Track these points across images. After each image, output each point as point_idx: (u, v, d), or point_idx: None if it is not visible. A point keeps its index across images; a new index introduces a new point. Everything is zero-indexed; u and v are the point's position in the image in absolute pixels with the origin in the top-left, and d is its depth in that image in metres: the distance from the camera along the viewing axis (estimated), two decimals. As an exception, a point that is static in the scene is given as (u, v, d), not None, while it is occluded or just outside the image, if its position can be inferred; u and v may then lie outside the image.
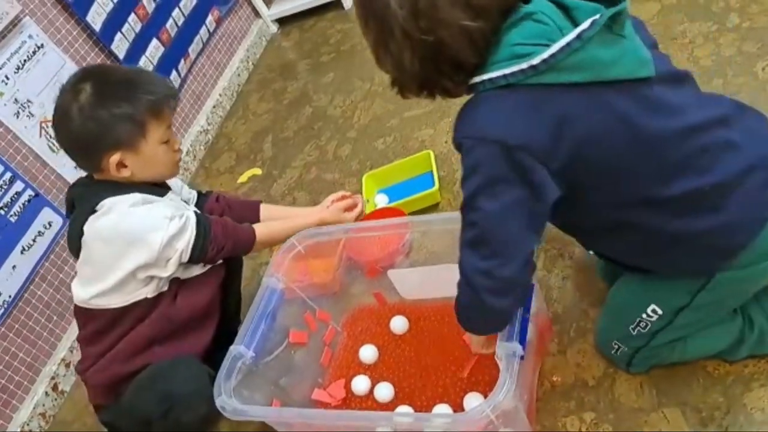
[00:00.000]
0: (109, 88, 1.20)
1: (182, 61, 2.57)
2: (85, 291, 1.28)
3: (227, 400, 1.15)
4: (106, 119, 1.19)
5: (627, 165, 0.90)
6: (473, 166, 0.90)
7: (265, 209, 1.56)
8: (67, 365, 1.89)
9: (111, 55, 2.26)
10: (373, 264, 1.49)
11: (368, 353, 1.39)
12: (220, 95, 2.73)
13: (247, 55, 2.95)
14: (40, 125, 1.94)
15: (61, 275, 1.92)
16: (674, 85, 0.94)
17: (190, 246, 1.25)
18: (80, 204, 1.27)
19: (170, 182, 1.42)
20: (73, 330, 1.92)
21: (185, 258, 1.26)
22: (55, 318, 1.89)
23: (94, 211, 1.23)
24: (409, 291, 1.44)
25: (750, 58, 1.63)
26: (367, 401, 1.32)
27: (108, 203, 1.22)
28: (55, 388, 1.84)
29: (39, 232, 1.86)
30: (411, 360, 1.36)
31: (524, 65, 0.85)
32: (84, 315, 1.31)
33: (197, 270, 1.33)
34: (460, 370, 1.28)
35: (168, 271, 1.26)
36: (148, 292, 1.28)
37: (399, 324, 1.42)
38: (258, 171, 2.29)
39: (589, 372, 1.22)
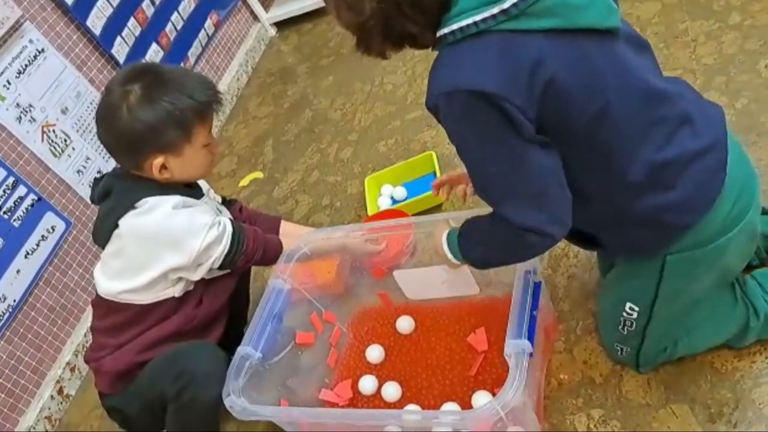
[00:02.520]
0: (159, 90, 1.19)
1: (182, 65, 2.58)
2: (113, 285, 1.29)
3: (236, 399, 1.15)
4: (154, 123, 1.19)
5: (588, 125, 0.89)
6: (455, 120, 0.88)
7: (285, 226, 1.56)
8: (72, 369, 1.89)
9: (111, 59, 2.26)
10: (379, 265, 1.49)
11: (375, 353, 1.39)
12: (220, 99, 2.72)
13: (246, 59, 2.95)
14: (42, 130, 1.94)
15: (65, 279, 1.92)
16: (636, 50, 0.96)
17: (224, 254, 1.27)
18: (118, 196, 1.27)
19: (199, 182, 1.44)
20: (78, 334, 1.92)
21: (216, 265, 1.28)
22: (59, 322, 1.89)
23: (133, 207, 1.24)
24: (415, 291, 1.44)
25: (752, 56, 1.64)
26: (375, 401, 1.33)
27: (151, 202, 1.23)
28: (60, 391, 1.84)
29: (42, 236, 1.86)
30: (417, 360, 1.36)
31: (495, 10, 0.83)
32: (106, 306, 1.32)
33: (220, 271, 1.35)
34: (467, 369, 1.28)
35: (198, 275, 1.28)
36: (176, 291, 1.29)
37: (405, 324, 1.42)
38: (260, 174, 2.29)
39: (596, 369, 1.23)
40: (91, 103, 2.11)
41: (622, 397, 1.17)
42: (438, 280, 1.37)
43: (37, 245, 1.84)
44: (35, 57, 1.96)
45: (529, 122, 0.86)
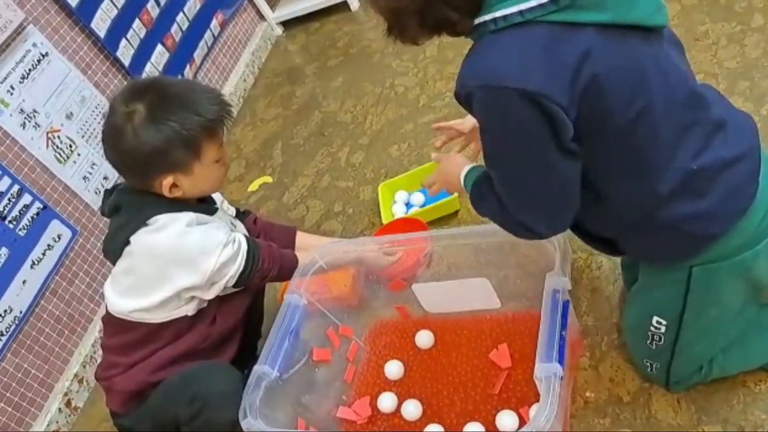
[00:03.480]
0: (164, 109, 1.14)
1: (188, 66, 2.54)
2: (124, 302, 1.25)
3: (253, 421, 1.12)
4: (160, 144, 1.15)
5: (627, 126, 0.86)
6: (490, 114, 0.85)
7: (300, 238, 1.53)
8: (80, 381, 1.85)
9: (116, 62, 2.22)
10: (394, 276, 1.45)
11: (393, 369, 1.35)
12: (226, 101, 2.68)
13: (252, 59, 2.91)
14: (47, 136, 1.90)
15: (71, 289, 1.88)
16: (676, 49, 0.93)
17: (239, 273, 1.24)
18: (129, 212, 1.23)
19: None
20: (86, 345, 1.89)
21: (231, 284, 1.25)
22: (66, 332, 1.85)
23: (145, 224, 1.20)
24: (433, 305, 1.41)
25: (777, 60, 1.60)
26: (394, 419, 1.29)
27: (163, 220, 1.19)
28: (68, 404, 1.81)
29: (48, 245, 1.83)
30: (438, 376, 1.32)
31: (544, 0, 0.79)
32: (117, 324, 1.28)
33: (234, 289, 1.31)
34: (490, 386, 1.25)
35: (211, 294, 1.25)
36: (189, 310, 1.26)
37: (425, 339, 1.38)
38: (269, 179, 2.25)
39: (624, 387, 1.19)
40: (96, 107, 2.07)
41: (651, 417, 1.14)
42: (458, 293, 1.34)
43: (43, 254, 1.81)
44: (39, 61, 1.92)
45: (570, 123, 0.82)
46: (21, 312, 1.72)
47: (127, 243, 1.21)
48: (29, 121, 1.85)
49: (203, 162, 1.20)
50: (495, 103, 0.83)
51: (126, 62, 2.25)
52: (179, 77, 2.45)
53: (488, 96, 0.83)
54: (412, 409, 1.27)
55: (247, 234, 1.38)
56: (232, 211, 1.47)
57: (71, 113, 1.99)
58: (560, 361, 0.97)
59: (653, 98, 0.85)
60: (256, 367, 1.19)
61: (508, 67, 0.81)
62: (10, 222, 1.72)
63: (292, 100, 2.61)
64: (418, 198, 1.82)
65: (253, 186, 2.26)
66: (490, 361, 1.29)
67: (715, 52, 1.69)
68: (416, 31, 0.90)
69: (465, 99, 0.86)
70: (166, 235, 1.19)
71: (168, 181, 1.19)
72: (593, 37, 0.80)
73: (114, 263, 1.26)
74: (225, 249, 1.21)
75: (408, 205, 1.82)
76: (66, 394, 1.81)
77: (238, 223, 1.41)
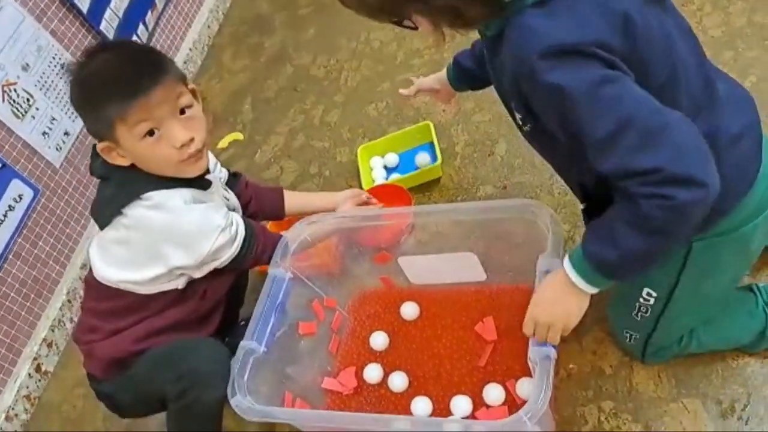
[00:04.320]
0: (85, 88, 1.12)
1: (149, 12, 2.40)
2: (112, 272, 1.21)
3: (242, 399, 1.11)
4: (83, 114, 1.15)
5: (658, 88, 0.83)
6: (560, 77, 0.78)
7: (291, 198, 1.51)
8: (49, 345, 1.81)
9: (73, 8, 2.07)
10: (377, 244, 1.44)
11: (379, 340, 1.36)
12: (190, 50, 2.56)
13: (216, 4, 2.76)
14: (2, 89, 1.78)
15: (35, 251, 1.81)
16: (681, 17, 0.93)
17: (232, 258, 1.22)
18: (120, 185, 1.17)
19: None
20: (53, 308, 1.84)
21: (221, 265, 1.22)
22: (32, 296, 1.79)
23: (140, 198, 1.14)
24: (419, 277, 1.40)
25: (762, 29, 1.59)
26: (381, 390, 1.30)
27: (158, 198, 1.14)
28: (38, 369, 1.77)
29: (9, 206, 1.74)
30: (423, 348, 1.33)
31: None
32: (102, 290, 1.23)
33: None
34: (476, 358, 1.26)
35: (201, 273, 1.22)
36: (179, 284, 1.23)
37: (409, 310, 1.38)
38: (239, 136, 2.18)
39: (606, 360, 1.22)
40: (54, 58, 1.94)
41: (632, 389, 1.17)
42: (444, 266, 1.34)
43: (5, 216, 1.72)
44: (-10, 8, 1.78)
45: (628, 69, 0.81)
46: (-16, 277, 1.66)
47: (120, 213, 1.15)
48: (-17, 74, 1.73)
49: (123, 139, 1.11)
50: (568, 67, 0.78)
51: (84, 8, 2.10)
52: (141, 23, 2.32)
53: (552, 59, 0.79)
54: (398, 381, 1.28)
55: (239, 209, 1.34)
56: (225, 174, 1.42)
57: (27, 64, 1.86)
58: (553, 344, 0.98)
59: (677, 64, 0.86)
60: (243, 343, 1.18)
61: (566, 28, 0.79)
62: (-32, 184, 1.63)
63: (261, 51, 2.50)
64: (392, 159, 1.79)
65: (223, 143, 2.19)
66: (475, 333, 1.30)
67: (700, 19, 1.68)
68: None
69: (529, 77, 0.81)
70: (164, 213, 1.14)
71: (101, 145, 1.14)
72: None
73: (101, 228, 1.21)
74: (222, 233, 1.18)
75: (387, 169, 1.79)
76: (35, 359, 1.76)
77: (232, 196, 1.36)
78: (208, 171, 1.26)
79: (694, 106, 0.88)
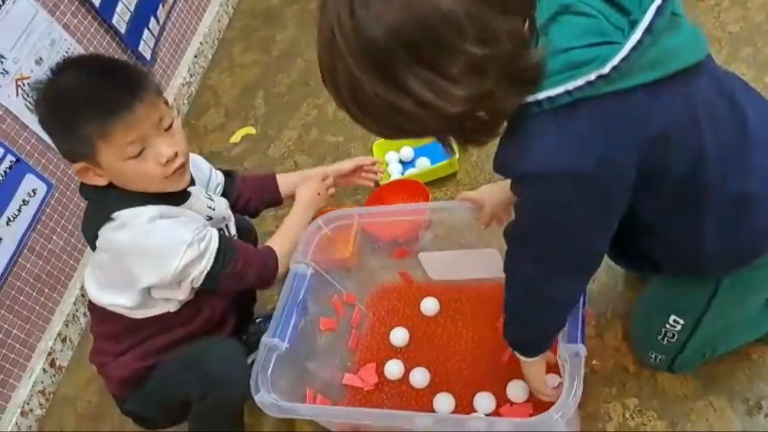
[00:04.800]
0: (58, 106, 1.06)
1: (160, 6, 2.38)
2: (102, 296, 1.18)
3: (266, 395, 1.10)
4: (54, 134, 1.10)
5: (686, 171, 0.83)
6: (543, 202, 0.81)
7: (283, 182, 1.49)
8: (63, 340, 1.80)
9: (85, 1, 2.06)
10: (394, 239, 1.44)
11: (399, 336, 1.35)
12: (201, 43, 2.55)
13: (226, -3, 2.75)
14: (16, 83, 1.77)
15: (49, 245, 1.81)
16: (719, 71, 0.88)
17: (204, 275, 1.14)
18: (96, 203, 1.14)
19: (198, 165, 1.31)
20: (67, 303, 1.83)
21: (196, 284, 1.15)
22: (46, 290, 1.78)
23: (110, 219, 1.11)
24: (439, 273, 1.40)
25: (781, 25, 1.59)
26: (401, 386, 1.30)
27: (123, 217, 1.10)
28: (52, 364, 1.76)
29: (23, 200, 1.73)
30: (444, 344, 1.33)
31: (592, 76, 0.72)
32: (99, 312, 1.22)
33: None
34: (498, 355, 1.26)
35: (183, 294, 1.17)
36: (170, 307, 1.19)
37: (430, 306, 1.38)
38: (252, 130, 2.17)
39: (629, 357, 1.22)
40: (67, 52, 1.93)
41: (657, 386, 1.17)
42: (465, 262, 1.33)
43: (19, 211, 1.72)
44: (3, 2, 1.77)
45: (629, 191, 0.81)
46: (-1, 271, 1.65)
47: (96, 236, 1.13)
48: (-3, 67, 1.72)
49: (105, 161, 1.06)
50: (552, 190, 0.78)
51: (96, 2, 2.09)
52: (152, 17, 2.30)
53: (544, 184, 0.78)
54: (420, 377, 1.27)
55: (228, 217, 1.30)
56: (221, 179, 1.38)
57: (41, 58, 1.85)
58: (582, 341, 0.98)
59: (705, 137, 0.81)
60: (265, 339, 1.17)
61: (566, 152, 0.75)
62: (-18, 178, 1.62)
63: (272, 45, 2.49)
64: (407, 153, 1.78)
65: (236, 137, 2.17)
66: (497, 329, 1.29)
67: (718, 15, 1.67)
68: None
69: (518, 181, 0.83)
70: (128, 232, 1.10)
71: (76, 166, 1.08)
72: (644, 98, 0.75)
73: (93, 250, 1.19)
74: (190, 248, 1.11)
75: (404, 164, 1.78)
76: (50, 354, 1.76)
77: (219, 203, 1.29)
78: (193, 182, 1.23)
79: (728, 166, 0.84)
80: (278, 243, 1.30)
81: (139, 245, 1.11)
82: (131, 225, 1.10)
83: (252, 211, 1.47)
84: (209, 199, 1.27)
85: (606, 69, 0.72)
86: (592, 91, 0.73)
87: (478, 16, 0.67)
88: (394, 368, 1.30)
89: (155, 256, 1.11)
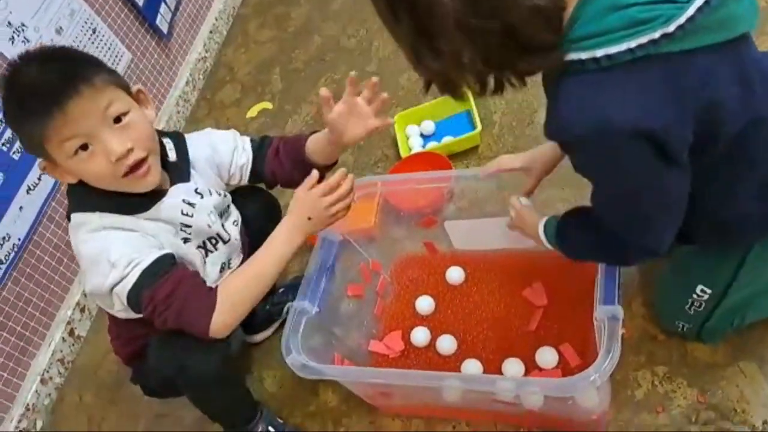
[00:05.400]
0: (8, 103, 0.99)
1: (175, -18, 2.37)
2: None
3: (297, 357, 1.10)
4: (13, 131, 1.04)
5: (737, 136, 0.82)
6: (603, 159, 0.80)
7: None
8: (82, 310, 1.81)
9: (103, -29, 2.05)
10: (416, 211, 1.43)
11: (425, 304, 1.35)
12: (216, 19, 2.54)
13: (240, -26, 2.74)
14: (37, 52, 1.77)
15: (68, 215, 1.80)
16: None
17: (125, 300, 1.03)
18: (69, 203, 1.11)
19: (217, 148, 1.21)
20: (86, 273, 1.83)
21: (133, 313, 1.06)
22: (65, 260, 1.78)
23: (69, 218, 1.09)
24: (465, 242, 1.39)
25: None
26: (428, 353, 1.30)
27: (74, 220, 1.06)
28: (71, 333, 1.77)
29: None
30: (471, 312, 1.33)
31: (656, 34, 0.71)
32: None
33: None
34: (525, 323, 1.26)
35: (119, 312, 1.09)
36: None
37: (455, 275, 1.38)
38: (269, 105, 2.16)
39: (657, 325, 1.21)
40: (86, 23, 1.92)
41: (687, 354, 1.17)
42: (491, 231, 1.32)
43: (39, 179, 1.71)
44: (24, -30, 1.76)
45: (688, 149, 0.79)
46: (19, 239, 1.65)
47: None
48: (18, 35, 1.71)
49: (53, 158, 1.00)
50: (612, 147, 0.77)
51: (114, -27, 2.08)
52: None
53: (603, 141, 0.76)
54: (447, 344, 1.27)
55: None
56: (244, 158, 1.24)
57: (61, 27, 1.85)
58: (620, 302, 0.98)
59: (755, 105, 0.81)
60: (295, 303, 1.17)
61: (627, 109, 0.74)
62: (3, 145, 1.61)
63: (288, 21, 2.48)
64: (428, 127, 1.78)
65: (252, 112, 2.17)
66: (523, 298, 1.29)
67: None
68: (475, 91, 0.83)
69: (568, 144, 0.82)
70: (75, 237, 1.06)
71: (40, 162, 1.04)
72: (709, 58, 0.75)
73: None
74: (113, 271, 1.01)
75: (424, 137, 1.78)
76: (69, 323, 1.76)
77: (206, 204, 1.15)
78: (162, 191, 1.10)
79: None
80: (233, 285, 1.05)
81: (79, 252, 1.06)
82: (77, 230, 1.06)
83: (284, 181, 1.28)
84: (189, 205, 1.12)
85: (671, 28, 0.71)
86: (655, 49, 0.73)
87: None
88: (420, 335, 1.30)
89: (87, 268, 1.05)
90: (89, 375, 1.71)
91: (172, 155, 1.15)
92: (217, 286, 1.05)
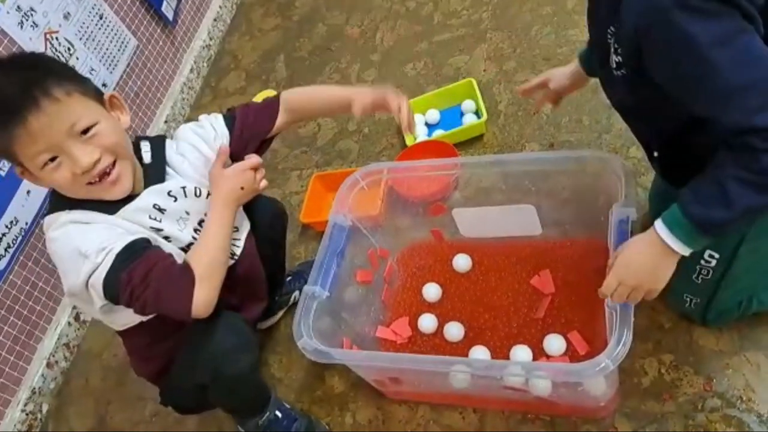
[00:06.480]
0: None
1: (178, -32, 2.36)
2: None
3: (309, 341, 1.11)
4: None
5: None
6: (681, 33, 0.76)
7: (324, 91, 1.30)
8: (87, 295, 1.81)
9: (109, -43, 2.04)
10: (422, 199, 1.44)
11: (432, 291, 1.36)
12: (220, 7, 2.53)
13: (244, -38, 2.73)
14: (45, 37, 1.76)
15: (74, 201, 1.80)
16: None
17: (101, 291, 0.99)
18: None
19: (199, 147, 1.17)
20: (91, 259, 1.83)
21: (115, 304, 1.03)
22: (71, 246, 1.78)
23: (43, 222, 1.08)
24: (471, 229, 1.40)
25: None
26: (435, 339, 1.31)
27: (45, 222, 1.06)
28: (77, 318, 1.77)
29: (49, 154, 1.73)
30: (478, 299, 1.34)
31: None
32: None
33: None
34: (533, 311, 1.27)
35: (97, 307, 1.03)
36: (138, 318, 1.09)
37: (462, 262, 1.39)
38: (273, 93, 2.15)
39: (664, 314, 1.23)
40: (92, 8, 1.92)
41: (692, 343, 1.18)
42: (500, 219, 1.34)
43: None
44: (33, -46, 1.75)
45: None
46: (27, 224, 1.65)
47: None
48: (26, 20, 1.71)
49: (28, 162, 0.96)
50: (688, 15, 0.75)
51: (120, -42, 2.08)
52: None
53: (677, 12, 0.75)
54: (454, 331, 1.28)
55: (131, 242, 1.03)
56: (219, 122, 1.21)
57: (68, 13, 1.84)
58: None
59: None
60: (306, 288, 1.18)
61: None
62: (10, 128, 1.61)
63: (292, 10, 2.47)
64: (433, 115, 1.78)
65: (257, 99, 2.16)
66: (531, 286, 1.30)
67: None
68: None
69: (642, 30, 0.79)
70: (46, 241, 1.04)
71: (19, 170, 1.01)
72: None
73: None
74: (86, 262, 0.97)
75: (429, 126, 1.78)
76: (75, 308, 1.76)
77: (177, 208, 1.11)
78: (134, 195, 1.07)
79: None
80: (203, 261, 1.03)
81: (53, 253, 1.04)
82: (47, 232, 1.04)
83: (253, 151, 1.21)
84: (159, 210, 1.08)
85: None
86: None
87: None
88: (427, 322, 1.31)
89: (61, 268, 1.03)
90: (95, 359, 1.72)
91: (147, 157, 1.12)
92: (184, 264, 1.03)
